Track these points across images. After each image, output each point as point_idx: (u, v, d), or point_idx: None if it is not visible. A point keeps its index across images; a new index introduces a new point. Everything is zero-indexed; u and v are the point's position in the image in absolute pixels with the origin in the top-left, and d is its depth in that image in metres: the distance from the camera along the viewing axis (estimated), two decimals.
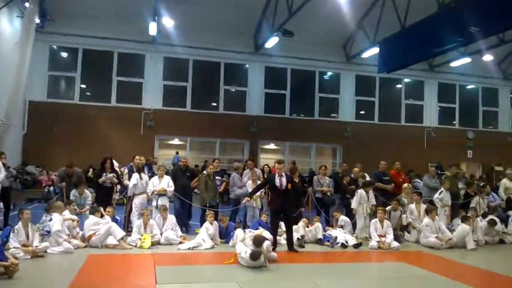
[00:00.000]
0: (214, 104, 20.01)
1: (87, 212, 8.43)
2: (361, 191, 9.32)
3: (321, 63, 20.48)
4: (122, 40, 18.09)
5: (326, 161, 20.66)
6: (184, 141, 19.99)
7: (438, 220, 8.95)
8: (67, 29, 17.45)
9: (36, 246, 6.71)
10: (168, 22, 17.45)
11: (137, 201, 8.91)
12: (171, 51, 18.75)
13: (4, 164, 8.74)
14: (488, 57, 19.97)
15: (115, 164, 10.35)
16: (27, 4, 15.18)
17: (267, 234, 7.33)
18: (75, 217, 7.92)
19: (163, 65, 19.18)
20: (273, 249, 7.17)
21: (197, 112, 19.27)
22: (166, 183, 9.00)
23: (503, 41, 17.19)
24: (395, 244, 8.41)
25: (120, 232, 7.63)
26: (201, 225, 8.45)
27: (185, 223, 9.29)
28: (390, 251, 8.23)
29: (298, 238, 8.32)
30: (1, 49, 14.75)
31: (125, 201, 9.20)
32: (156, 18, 16.76)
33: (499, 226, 9.58)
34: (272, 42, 17.30)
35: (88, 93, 18.96)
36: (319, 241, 8.60)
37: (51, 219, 7.20)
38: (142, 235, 7.86)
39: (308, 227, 8.75)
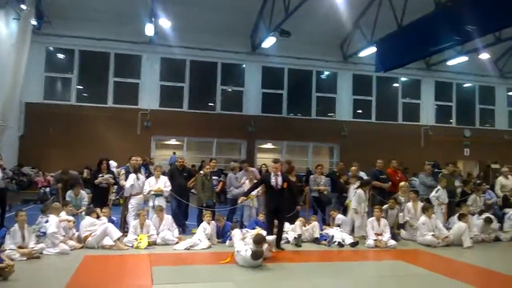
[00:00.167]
0: (211, 104, 19.99)
1: (83, 213, 8.41)
2: (360, 191, 9.32)
3: (318, 62, 20.47)
4: (119, 41, 18.06)
5: (324, 160, 20.71)
6: (181, 141, 19.95)
7: (434, 218, 8.98)
8: (64, 31, 17.40)
9: (32, 248, 6.69)
10: (165, 23, 17.41)
11: (133, 202, 8.88)
12: (168, 51, 18.71)
13: (0, 166, 8.73)
14: (484, 56, 19.99)
15: (114, 163, 10.35)
16: (23, 7, 15.15)
17: (264, 233, 7.32)
18: (71, 218, 7.92)
19: (160, 65, 19.14)
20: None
21: (194, 112, 19.26)
22: (163, 183, 8.98)
23: (500, 40, 17.17)
24: (392, 242, 8.44)
25: (117, 233, 7.60)
26: (198, 225, 8.43)
27: (182, 223, 9.28)
28: (387, 250, 8.25)
29: (295, 237, 8.33)
30: None
31: (121, 202, 9.16)
32: (153, 19, 16.73)
33: (495, 224, 9.61)
34: (269, 42, 17.24)
35: (85, 94, 18.89)
36: (316, 240, 8.60)
37: (47, 221, 7.19)
38: (138, 236, 7.86)
39: (305, 226, 8.74)
